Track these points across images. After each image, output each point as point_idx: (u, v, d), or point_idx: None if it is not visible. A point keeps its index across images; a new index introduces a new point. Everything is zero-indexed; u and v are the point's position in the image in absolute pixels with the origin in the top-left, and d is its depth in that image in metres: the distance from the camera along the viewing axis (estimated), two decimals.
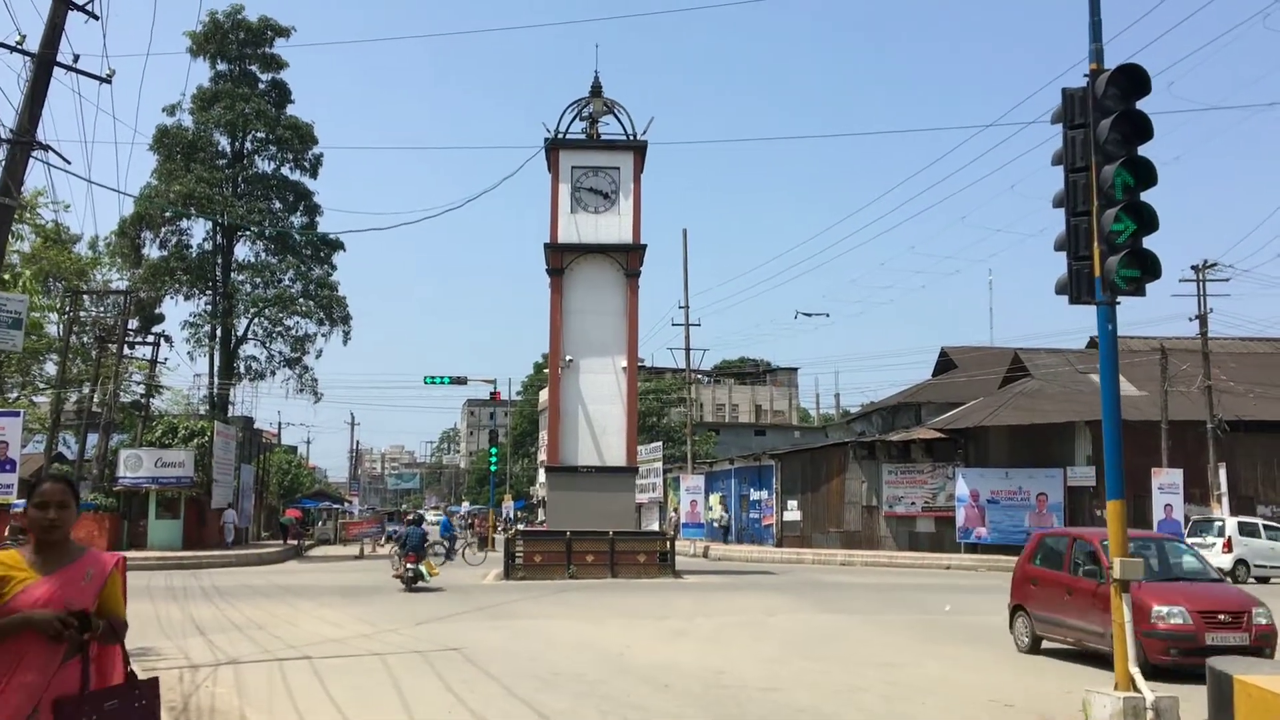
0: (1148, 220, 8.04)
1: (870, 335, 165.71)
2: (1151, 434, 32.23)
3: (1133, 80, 8.05)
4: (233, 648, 13.29)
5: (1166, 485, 31.42)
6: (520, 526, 56.79)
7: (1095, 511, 33.91)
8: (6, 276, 13.05)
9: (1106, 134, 7.96)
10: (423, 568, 22.77)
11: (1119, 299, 8.20)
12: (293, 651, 12.91)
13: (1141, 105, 8.13)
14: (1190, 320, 31.73)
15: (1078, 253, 8.31)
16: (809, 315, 42.64)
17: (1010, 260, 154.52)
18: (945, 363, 46.49)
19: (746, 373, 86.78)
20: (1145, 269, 8.08)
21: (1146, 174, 8.05)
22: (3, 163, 12.02)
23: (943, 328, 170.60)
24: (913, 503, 37.26)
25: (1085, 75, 8.34)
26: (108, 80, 12.76)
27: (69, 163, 12.47)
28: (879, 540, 37.39)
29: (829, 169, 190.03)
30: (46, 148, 12.27)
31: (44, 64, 12.11)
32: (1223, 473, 30.75)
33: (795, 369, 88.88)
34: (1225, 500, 30.59)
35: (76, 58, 12.45)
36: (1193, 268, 31.54)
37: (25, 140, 12.03)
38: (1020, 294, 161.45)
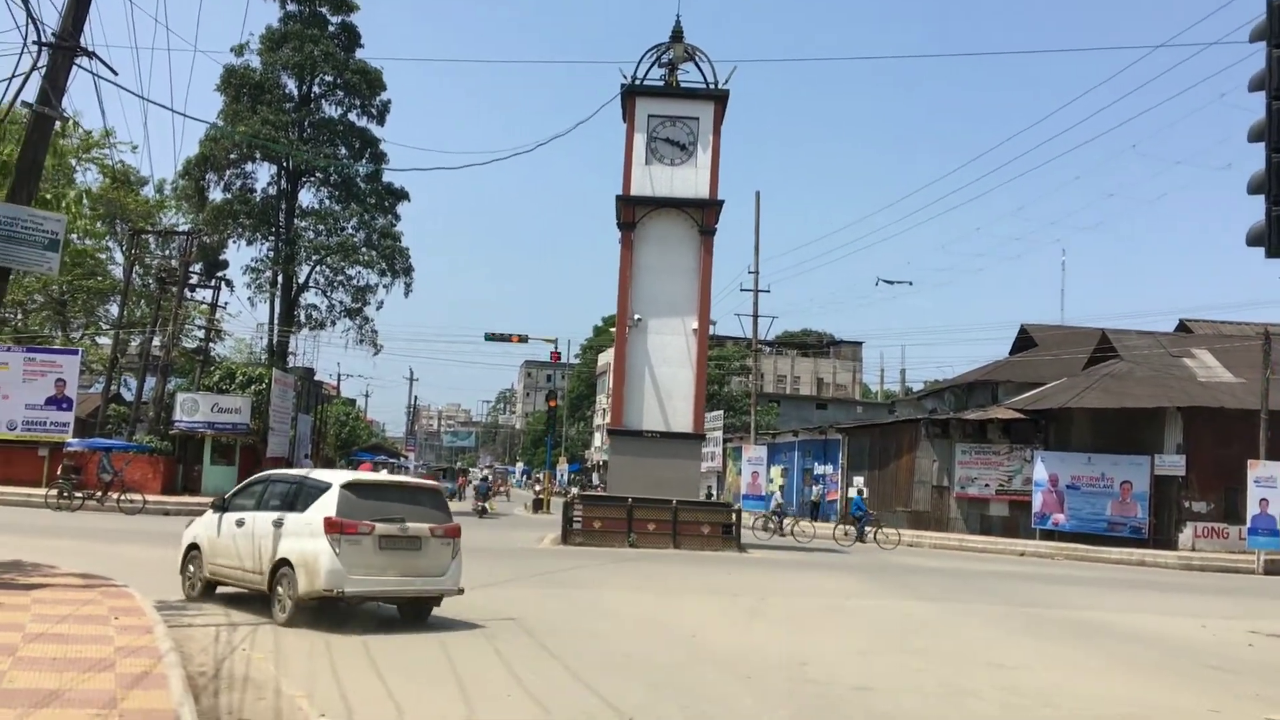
0: None
1: (941, 310, 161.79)
2: (1249, 423, 30.32)
3: None
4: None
5: (1264, 479, 29.50)
6: (575, 490, 56.14)
7: (1184, 503, 32.16)
8: (49, 196, 12.07)
9: None
10: (487, 505, 39.00)
11: None
12: (340, 616, 11.92)
13: None
14: None
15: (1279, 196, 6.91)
16: (890, 283, 40.94)
17: (1105, 231, 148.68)
18: (1024, 341, 44.57)
19: (810, 345, 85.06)
20: None
21: None
22: (44, 70, 10.99)
23: (1014, 304, 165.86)
24: (986, 485, 35.69)
25: None
26: None
27: (116, 73, 11.39)
28: (948, 522, 35.89)
29: (920, 127, 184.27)
30: (92, 54, 11.24)
31: None
32: None
33: (860, 343, 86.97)
34: None
35: None
36: None
37: (68, 45, 11.01)
38: (1101, 272, 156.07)
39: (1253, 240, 7.11)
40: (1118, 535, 32.28)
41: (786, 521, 34.28)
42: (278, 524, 11.40)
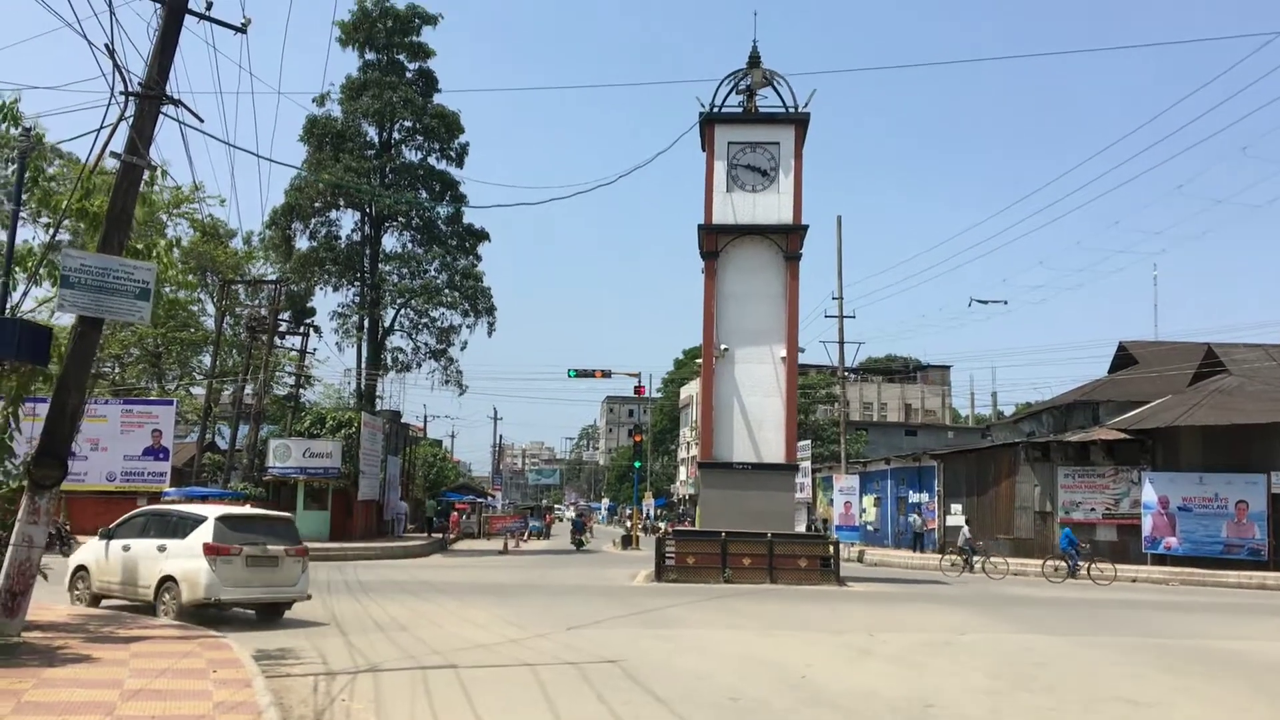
0: None
1: (1036, 329, 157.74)
2: None
3: None
4: (373, 651, 12.12)
5: None
6: (663, 525, 55.61)
7: None
8: (140, 246, 12.10)
9: None
10: (584, 538, 43.74)
11: None
12: (437, 659, 11.65)
13: None
14: None
15: None
16: (984, 303, 40.01)
17: (1210, 240, 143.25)
18: (1124, 359, 43.08)
19: (896, 370, 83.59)
20: None
21: None
22: (131, 119, 11.01)
23: (1112, 322, 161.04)
24: (1092, 509, 34.28)
25: None
26: (243, 30, 11.69)
27: (201, 120, 11.38)
28: (1053, 549, 34.49)
29: (1007, 143, 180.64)
30: (178, 102, 11.25)
31: (174, 10, 11.09)
32: None
33: (948, 366, 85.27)
34: None
35: (209, 4, 11.42)
36: None
37: (154, 94, 11.02)
38: (1200, 284, 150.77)
39: None
40: (1235, 558, 30.72)
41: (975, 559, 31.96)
42: (161, 549, 14.52)
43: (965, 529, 32.74)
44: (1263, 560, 30.45)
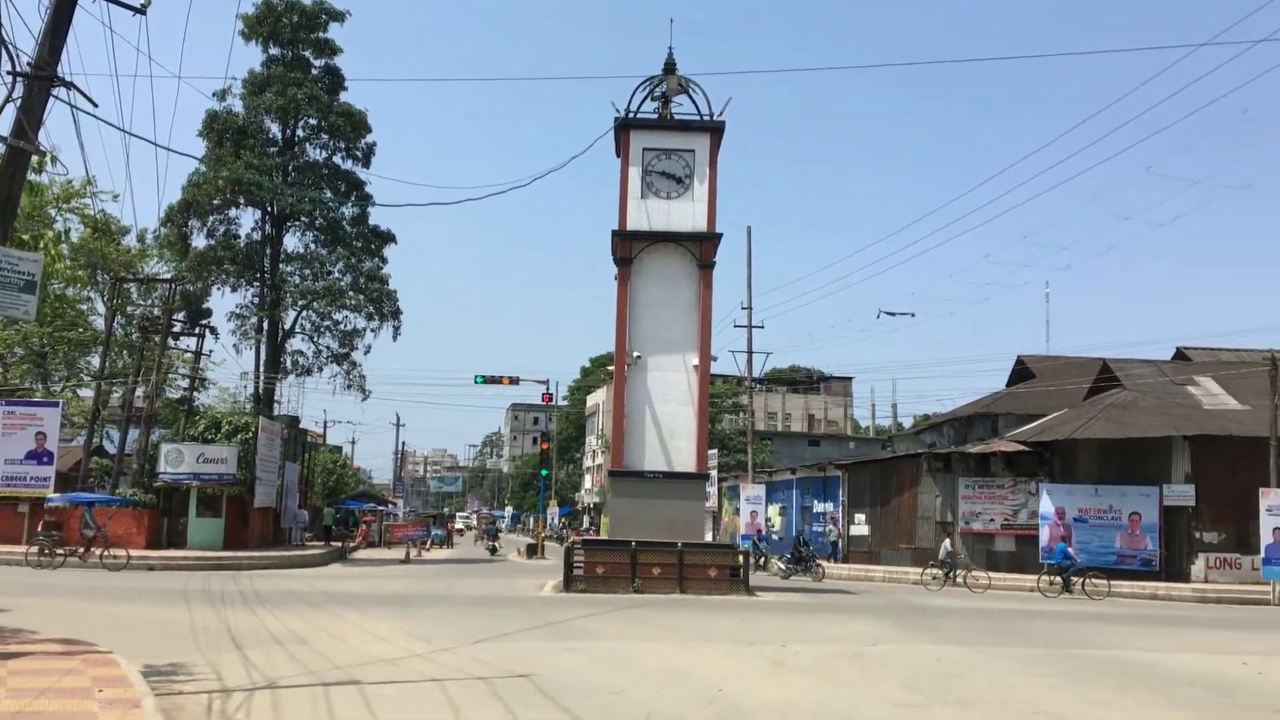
0: None
1: (943, 342, 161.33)
2: (1259, 451, 29.76)
3: None
4: (271, 667, 11.54)
5: (1276, 507, 28.93)
6: (569, 534, 55.21)
7: (1194, 533, 31.55)
8: (26, 236, 11.37)
9: None
10: (496, 544, 47.71)
11: None
12: (339, 674, 11.14)
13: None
14: None
15: None
16: (892, 314, 40.55)
17: (1115, 256, 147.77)
18: (1022, 372, 44.10)
19: (800, 381, 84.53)
20: None
21: None
22: (19, 101, 10.32)
23: (1014, 335, 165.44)
24: (991, 519, 34.99)
25: None
26: (142, 11, 11.06)
27: (95, 105, 10.73)
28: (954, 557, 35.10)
29: (921, 155, 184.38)
30: (70, 85, 10.58)
31: None
32: None
33: (850, 378, 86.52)
34: None
35: None
36: None
37: (45, 75, 10.35)
38: (1099, 300, 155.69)
39: None
40: (1128, 568, 31.60)
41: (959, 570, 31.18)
42: None
43: (947, 542, 32.00)
44: (1154, 570, 31.39)
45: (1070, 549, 30.19)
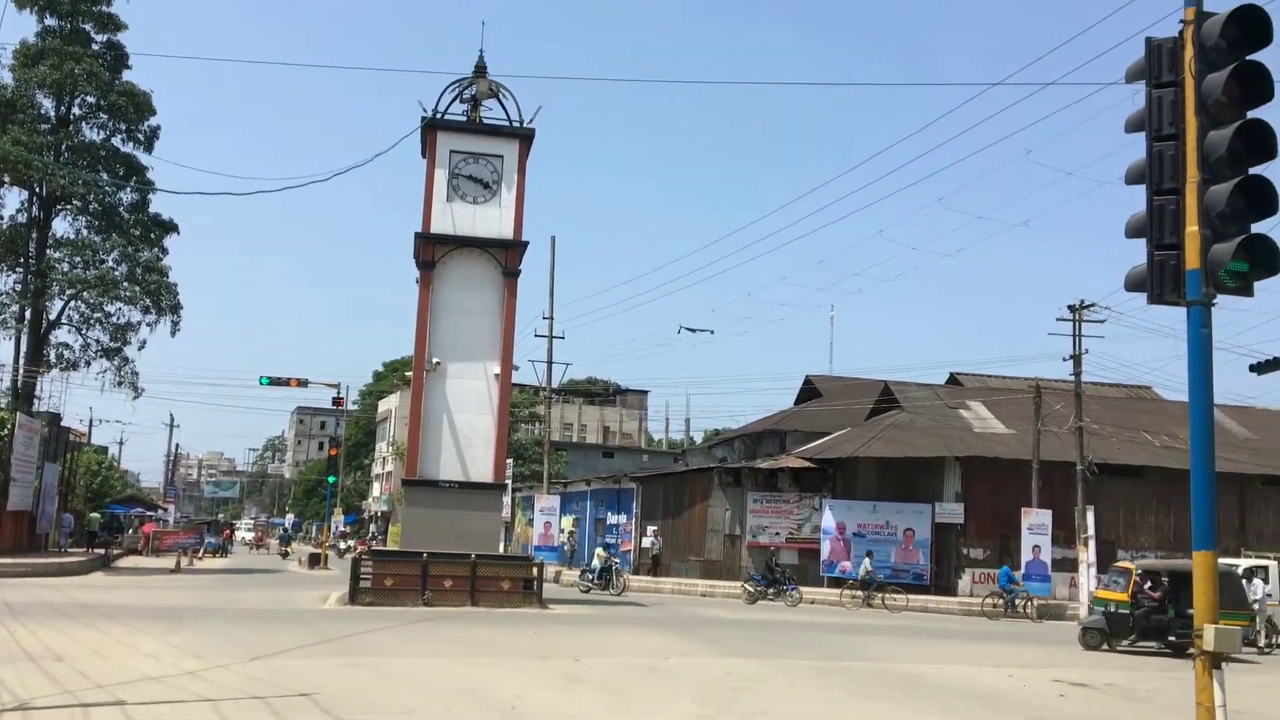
0: (1262, 200, 6.54)
1: (740, 359, 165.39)
2: (1022, 473, 31.91)
3: (1248, 27, 6.56)
4: (22, 686, 10.51)
5: (1036, 526, 31.12)
6: (352, 544, 53.51)
7: (962, 549, 33.44)
8: None
9: (1218, 92, 6.43)
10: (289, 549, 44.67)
11: (1215, 299, 6.61)
12: (101, 694, 10.25)
13: None
14: (1065, 360, 31.50)
15: (1161, 240, 6.74)
16: (693, 331, 41.22)
17: (906, 283, 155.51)
18: (810, 391, 45.77)
19: (596, 393, 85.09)
20: (1257, 262, 6.55)
21: (1263, 143, 6.56)
22: None
23: (808, 355, 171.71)
24: (777, 533, 36.08)
25: (1179, 22, 6.81)
26: None
27: None
28: (740, 571, 35.97)
29: (731, 174, 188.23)
30: None
31: None
32: (1090, 515, 30.51)
33: (646, 391, 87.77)
34: (1092, 544, 30.34)
35: None
36: (1070, 307, 31.36)
37: None
38: (882, 326, 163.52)
39: (1133, 285, 6.94)
40: (901, 582, 33.18)
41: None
42: None
43: (867, 560, 31.94)
44: (926, 584, 33.10)
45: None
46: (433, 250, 25.05)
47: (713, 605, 28.96)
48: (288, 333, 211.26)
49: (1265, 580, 23.62)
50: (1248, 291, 6.64)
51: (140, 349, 41.98)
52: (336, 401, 43.55)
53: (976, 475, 33.54)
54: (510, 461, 45.28)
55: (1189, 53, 6.67)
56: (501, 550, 37.02)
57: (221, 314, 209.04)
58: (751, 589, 31.24)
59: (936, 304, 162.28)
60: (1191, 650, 19.22)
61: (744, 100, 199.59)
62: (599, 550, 33.54)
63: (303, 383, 40.59)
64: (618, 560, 33.40)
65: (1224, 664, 6.43)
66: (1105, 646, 20.51)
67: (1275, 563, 24.41)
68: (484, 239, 25.26)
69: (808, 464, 36.41)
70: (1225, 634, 6.32)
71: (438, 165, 25.26)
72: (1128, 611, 20.46)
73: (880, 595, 30.63)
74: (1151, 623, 20.34)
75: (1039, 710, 12.25)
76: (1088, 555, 30.13)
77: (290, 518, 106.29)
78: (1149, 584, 20.72)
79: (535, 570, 24.83)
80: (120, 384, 41.70)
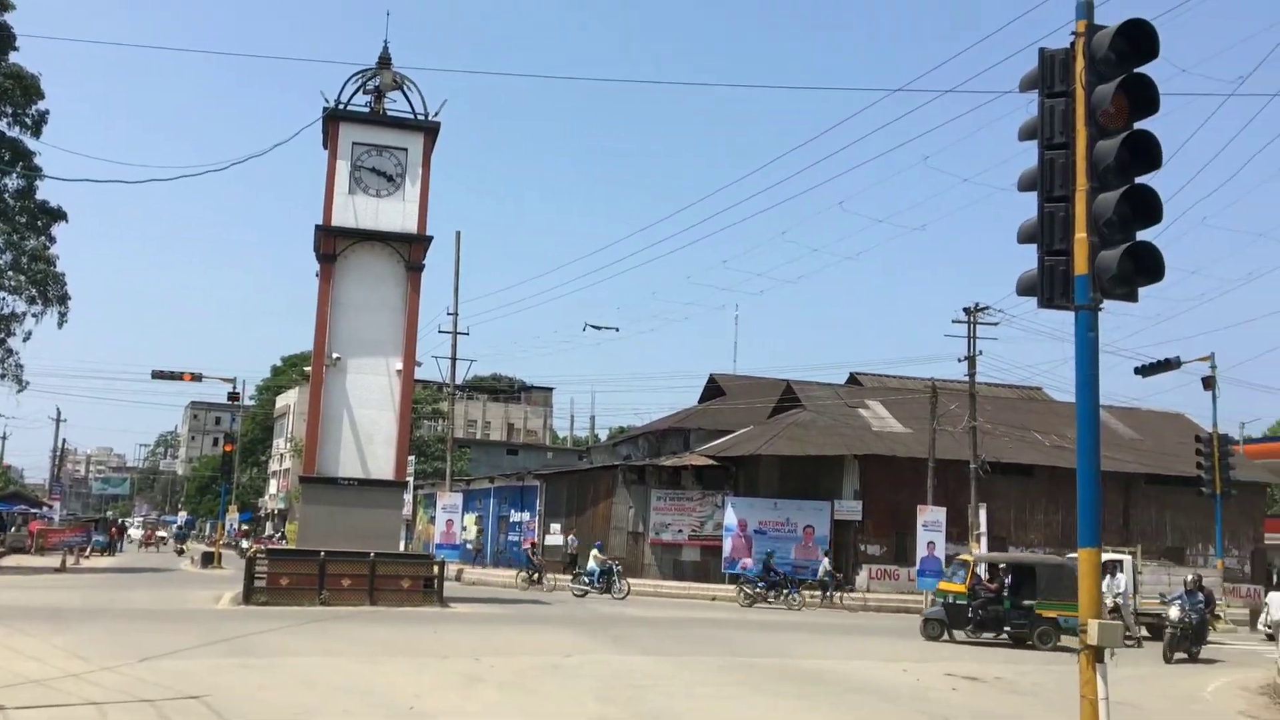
0: (1147, 209, 6.78)
1: (646, 357, 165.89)
2: (918, 471, 32.62)
3: (1136, 41, 6.81)
4: None
5: (930, 523, 31.81)
6: (247, 543, 52.25)
7: (860, 545, 34.08)
8: None
9: (1107, 103, 6.66)
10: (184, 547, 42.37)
11: (1101, 304, 6.84)
12: None
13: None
14: (960, 361, 32.33)
15: (1051, 246, 6.95)
16: (598, 328, 41.14)
17: (806, 285, 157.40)
18: (713, 389, 46.15)
19: (501, 390, 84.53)
20: (1141, 268, 6.79)
21: (1149, 153, 6.81)
22: None
23: (711, 354, 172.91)
24: (680, 530, 36.31)
25: (1071, 34, 7.04)
26: None
27: None
28: (644, 568, 36.13)
29: (632, 173, 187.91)
30: None
31: None
32: (983, 513, 31.37)
33: (551, 388, 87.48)
34: (984, 540, 31.20)
35: None
36: (965, 310, 32.18)
37: None
38: (787, 325, 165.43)
39: (1024, 289, 7.15)
40: (801, 578, 33.62)
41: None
42: None
43: (826, 560, 31.67)
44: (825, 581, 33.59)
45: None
46: (333, 243, 24.59)
47: (612, 602, 28.87)
48: (183, 326, 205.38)
49: (1123, 574, 24.42)
50: (1133, 297, 6.90)
51: (25, 340, 40.34)
52: (232, 397, 42.49)
53: (874, 473, 34.21)
54: (412, 459, 44.68)
55: (1080, 64, 6.91)
56: (402, 549, 36.62)
57: (113, 306, 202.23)
58: (749, 591, 29.72)
59: (838, 305, 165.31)
60: (1032, 641, 20.17)
61: (649, 100, 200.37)
62: (594, 552, 31.60)
63: (196, 377, 39.49)
64: (616, 563, 31.25)
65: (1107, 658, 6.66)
66: (946, 637, 21.14)
67: (1129, 557, 25.17)
68: (387, 233, 24.89)
69: (711, 462, 36.71)
70: (1107, 629, 6.55)
71: (339, 157, 24.80)
72: (965, 603, 21.12)
73: (839, 594, 30.70)
74: (989, 613, 21.08)
75: (932, 704, 12.55)
76: (980, 552, 30.91)
77: (183, 515, 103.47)
78: (987, 576, 21.50)
79: (436, 569, 24.57)
80: (3, 376, 40.02)
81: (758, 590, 29.72)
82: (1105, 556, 25.90)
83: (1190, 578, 21.49)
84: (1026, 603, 21.06)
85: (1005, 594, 21.43)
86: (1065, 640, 20.99)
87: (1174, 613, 19.62)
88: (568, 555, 36.67)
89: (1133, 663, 17.66)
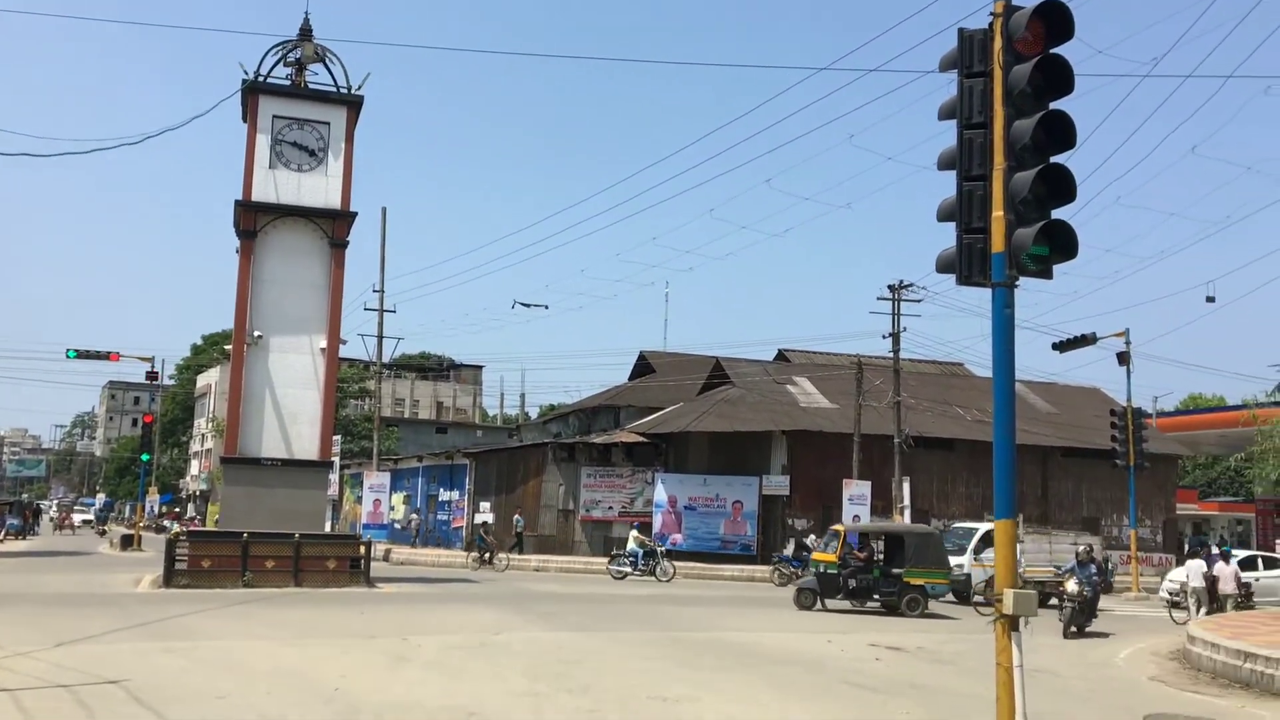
0: (1062, 188, 6.90)
1: (575, 334, 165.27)
2: (844, 446, 33.06)
3: (1052, 23, 6.91)
4: None
5: (856, 496, 32.31)
6: (171, 525, 51.26)
7: (788, 520, 34.46)
8: None
9: (1023, 83, 6.75)
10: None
11: (1018, 281, 6.96)
12: None
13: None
14: (884, 338, 32.79)
15: (969, 224, 7.05)
16: (527, 306, 41.05)
17: (734, 261, 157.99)
18: (644, 367, 46.19)
19: (430, 368, 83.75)
20: (1057, 246, 6.92)
21: (1064, 133, 6.93)
22: None
23: (641, 330, 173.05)
24: (610, 507, 36.40)
25: (989, 15, 7.12)
26: None
27: None
28: (574, 545, 36.21)
29: (564, 149, 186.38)
30: None
31: None
32: (906, 486, 31.93)
33: (480, 366, 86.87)
34: (907, 513, 31.77)
35: None
36: (889, 287, 32.65)
37: None
38: (716, 302, 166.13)
39: (942, 267, 7.24)
40: (730, 553, 33.99)
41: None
42: None
43: (634, 532, 31.32)
44: (753, 555, 33.99)
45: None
46: (254, 219, 24.06)
47: (544, 579, 28.88)
48: (100, 304, 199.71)
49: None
50: (1048, 274, 7.04)
51: None
52: (151, 376, 41.52)
53: (801, 448, 34.59)
54: (338, 438, 44.18)
55: (998, 44, 7.00)
56: (329, 529, 36.18)
57: (25, 282, 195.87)
58: (785, 571, 29.05)
59: (766, 282, 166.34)
60: (901, 609, 20.62)
61: (578, 77, 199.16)
62: (634, 533, 31.00)
63: (115, 356, 38.51)
64: (660, 543, 30.96)
65: (1021, 626, 6.82)
66: (819, 606, 21.55)
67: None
68: (309, 208, 24.42)
69: (641, 439, 36.80)
70: (1022, 598, 6.71)
71: (259, 130, 24.24)
72: (836, 572, 21.54)
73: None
74: (859, 582, 21.53)
75: (855, 674, 12.77)
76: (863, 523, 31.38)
77: (101, 497, 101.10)
78: (858, 546, 21.96)
79: (363, 549, 24.33)
80: None
81: (793, 570, 28.53)
82: (988, 526, 26.33)
83: (1082, 549, 20.63)
84: (895, 571, 21.55)
85: (877, 563, 21.93)
86: (934, 606, 21.84)
87: (1071, 586, 18.91)
88: (515, 534, 36.20)
89: (1029, 632, 17.93)
